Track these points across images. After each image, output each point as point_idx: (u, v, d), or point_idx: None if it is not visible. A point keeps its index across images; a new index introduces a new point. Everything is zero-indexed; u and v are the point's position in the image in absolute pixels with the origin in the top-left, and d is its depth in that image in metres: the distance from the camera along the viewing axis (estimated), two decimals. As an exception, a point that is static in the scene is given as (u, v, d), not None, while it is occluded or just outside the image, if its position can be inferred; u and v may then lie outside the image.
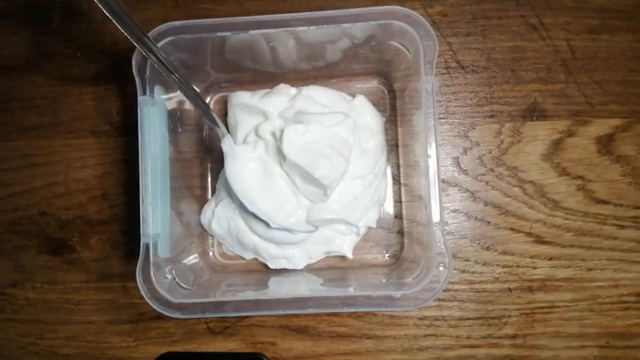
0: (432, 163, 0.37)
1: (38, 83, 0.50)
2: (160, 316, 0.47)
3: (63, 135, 0.49)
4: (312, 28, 0.38)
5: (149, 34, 0.37)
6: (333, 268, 0.47)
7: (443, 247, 0.36)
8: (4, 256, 0.49)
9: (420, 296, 0.37)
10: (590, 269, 0.46)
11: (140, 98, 0.39)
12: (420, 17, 0.38)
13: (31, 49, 0.50)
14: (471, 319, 0.47)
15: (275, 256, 0.45)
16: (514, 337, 0.46)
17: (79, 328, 0.48)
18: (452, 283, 0.47)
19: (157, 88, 0.40)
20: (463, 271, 0.47)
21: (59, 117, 0.49)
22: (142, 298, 0.37)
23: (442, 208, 0.37)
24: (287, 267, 0.46)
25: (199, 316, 0.38)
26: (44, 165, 0.49)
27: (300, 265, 0.45)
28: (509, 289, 0.46)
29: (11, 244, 0.49)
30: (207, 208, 0.47)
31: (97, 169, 0.49)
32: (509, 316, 0.46)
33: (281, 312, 0.37)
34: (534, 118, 0.47)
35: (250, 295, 0.40)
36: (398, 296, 0.37)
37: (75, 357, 0.48)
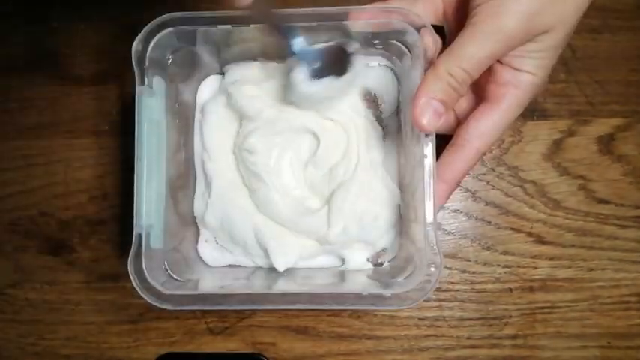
0: (427, 163, 0.36)
1: (38, 83, 0.50)
2: (159, 316, 0.47)
3: (62, 135, 0.49)
4: (314, 24, 0.38)
5: (149, 25, 0.38)
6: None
7: (435, 247, 0.36)
8: (4, 256, 0.49)
9: (410, 296, 0.36)
10: (591, 269, 0.46)
11: (138, 88, 0.38)
12: (421, 16, 0.38)
13: (31, 49, 0.50)
14: (472, 319, 0.46)
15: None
16: (515, 337, 0.46)
17: (79, 328, 0.48)
18: (452, 283, 0.47)
19: (157, 79, 0.40)
20: (464, 271, 0.47)
21: (59, 117, 0.49)
22: (142, 298, 0.37)
23: (435, 209, 0.36)
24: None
25: (190, 307, 0.38)
26: (44, 165, 0.49)
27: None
28: (510, 289, 0.46)
29: (11, 244, 0.49)
30: (201, 200, 0.46)
31: (97, 169, 0.49)
32: (510, 317, 0.46)
33: (269, 307, 0.37)
34: (535, 117, 0.47)
35: (242, 289, 0.39)
36: (388, 295, 0.37)
37: (75, 357, 0.48)
